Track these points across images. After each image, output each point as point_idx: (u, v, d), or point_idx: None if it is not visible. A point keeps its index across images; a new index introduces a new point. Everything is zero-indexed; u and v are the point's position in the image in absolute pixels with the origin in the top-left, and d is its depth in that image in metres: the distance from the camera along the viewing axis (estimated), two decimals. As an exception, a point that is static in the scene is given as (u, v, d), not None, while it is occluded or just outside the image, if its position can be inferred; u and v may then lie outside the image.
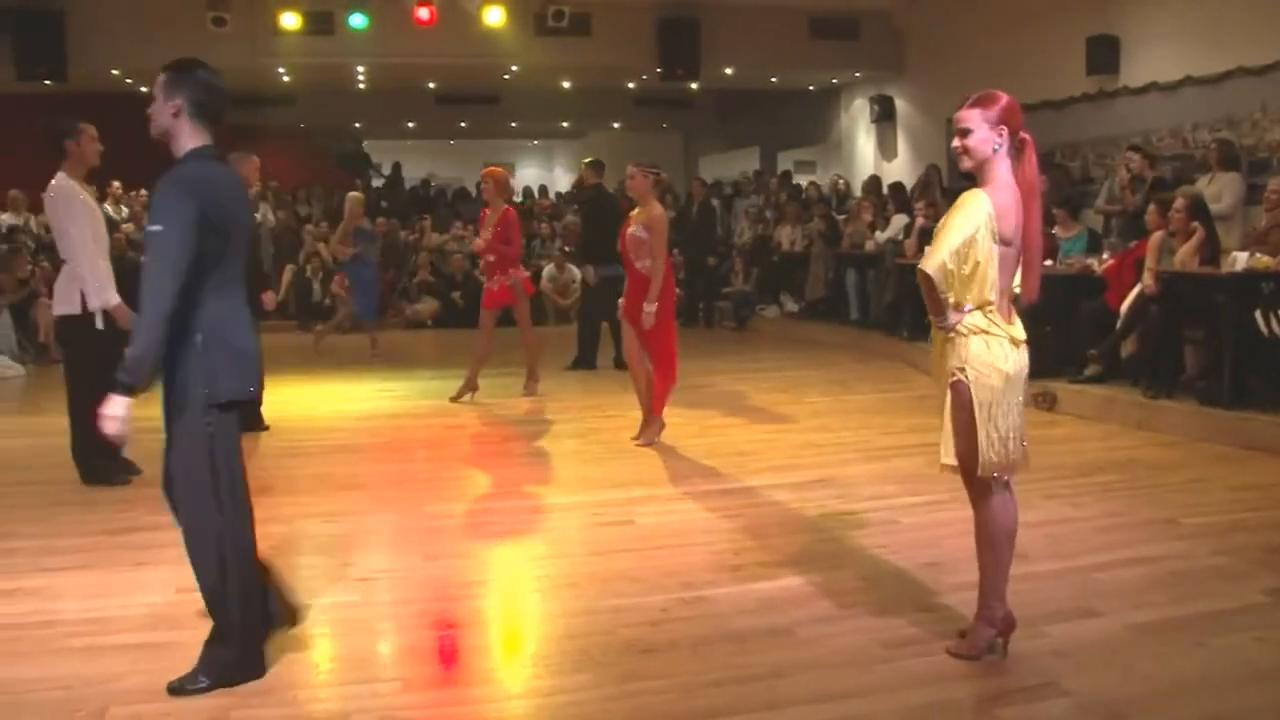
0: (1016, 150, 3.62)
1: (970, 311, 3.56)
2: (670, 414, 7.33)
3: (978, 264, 3.50)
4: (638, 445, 7.15)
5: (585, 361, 10.76)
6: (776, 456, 6.97)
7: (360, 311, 12.54)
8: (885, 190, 13.70)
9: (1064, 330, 8.53)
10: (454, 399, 9.04)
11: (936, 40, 14.96)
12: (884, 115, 16.35)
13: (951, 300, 3.56)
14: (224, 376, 3.50)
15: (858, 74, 16.90)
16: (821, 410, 8.49)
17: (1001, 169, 3.60)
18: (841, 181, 16.75)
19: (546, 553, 5.10)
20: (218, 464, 3.54)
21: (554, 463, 7.02)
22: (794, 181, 17.72)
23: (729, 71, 16.50)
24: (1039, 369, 8.28)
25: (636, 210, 7.17)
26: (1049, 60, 12.37)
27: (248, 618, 3.63)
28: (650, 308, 6.91)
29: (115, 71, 15.27)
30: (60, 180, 6.08)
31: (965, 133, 3.63)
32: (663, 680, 3.64)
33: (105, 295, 6.03)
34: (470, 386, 9.07)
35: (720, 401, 8.95)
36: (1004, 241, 3.54)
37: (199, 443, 3.50)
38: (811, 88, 18.33)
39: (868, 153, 17.15)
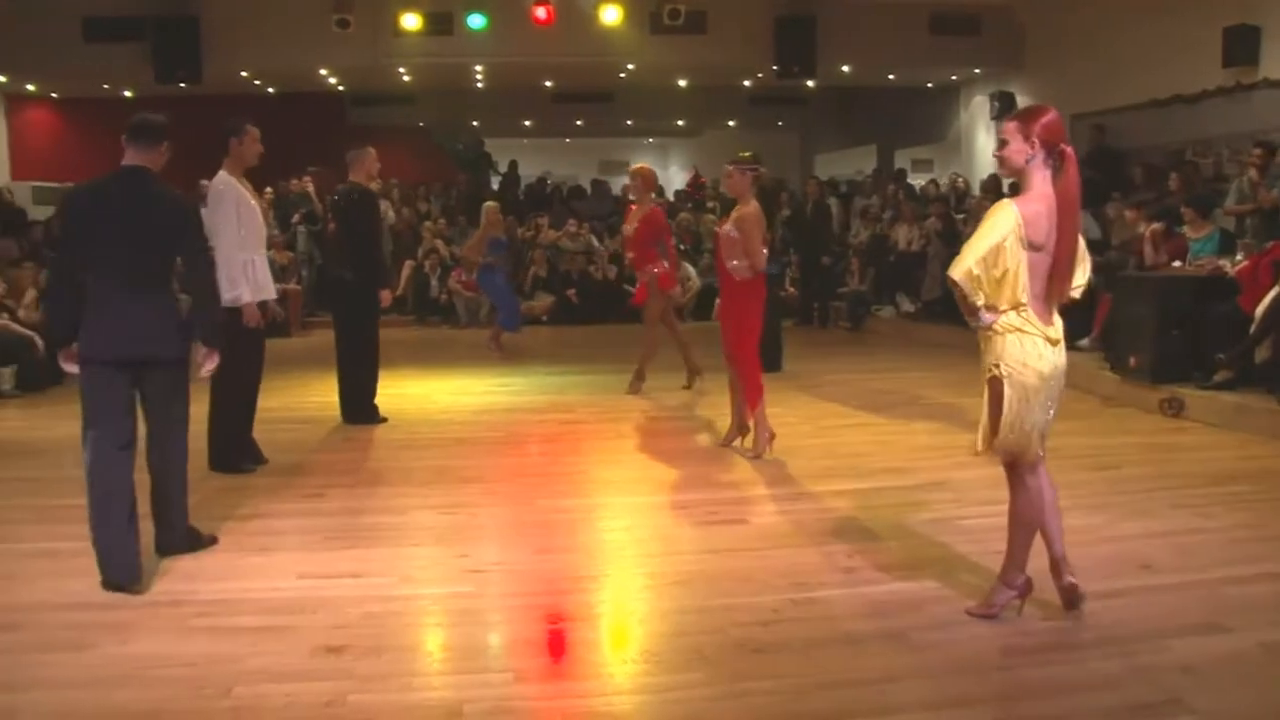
0: (1057, 163, 3.87)
1: (1004, 312, 3.81)
2: (785, 414, 7.26)
3: (1007, 270, 3.76)
4: (747, 457, 6.89)
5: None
6: (892, 458, 6.87)
7: (505, 321, 12.67)
8: (1005, 189, 13.40)
9: (1192, 334, 8.23)
10: (686, 387, 9.40)
11: (1059, 34, 14.60)
12: (1005, 112, 15.98)
13: (983, 303, 3.82)
14: (84, 342, 4.56)
15: (978, 70, 16.60)
16: (938, 413, 8.32)
17: (1037, 179, 3.87)
18: (960, 180, 16.45)
19: (659, 549, 5.11)
20: (84, 407, 4.55)
21: (668, 460, 7.00)
22: (909, 180, 17.48)
23: (846, 69, 16.35)
24: (1166, 373, 8.10)
25: (735, 209, 7.04)
26: (1182, 52, 11.97)
27: (99, 534, 4.50)
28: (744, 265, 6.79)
29: (244, 73, 15.81)
30: (220, 177, 6.34)
31: (1002, 144, 3.93)
32: (773, 681, 3.62)
33: (235, 291, 6.20)
34: (692, 373, 9.42)
35: (835, 402, 8.87)
36: (1034, 247, 3.79)
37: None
38: (930, 85, 18.06)
39: (987, 151, 16.78)
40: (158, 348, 4.67)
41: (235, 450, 6.52)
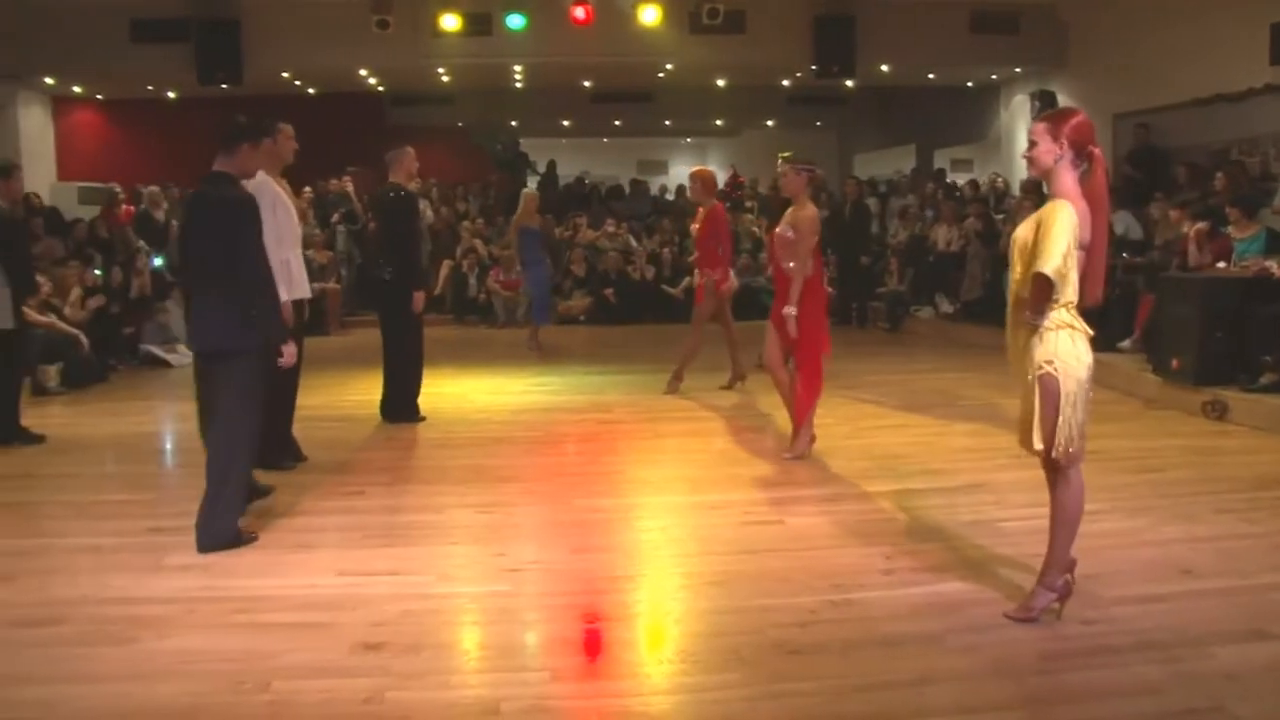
0: (1087, 164, 3.98)
1: (1057, 309, 3.88)
2: (823, 415, 7.18)
3: (1070, 268, 3.84)
4: (785, 459, 6.82)
5: None
6: (930, 460, 6.83)
7: (534, 314, 12.90)
8: (1046, 189, 13.28)
9: (1237, 335, 8.10)
10: (725, 387, 9.45)
11: (1102, 32, 14.46)
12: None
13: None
14: None
15: (1018, 69, 16.47)
16: (976, 414, 8.26)
17: (1067, 179, 3.97)
18: (1000, 180, 16.32)
19: (695, 550, 5.10)
20: None
21: (705, 461, 6.99)
22: (949, 180, 17.36)
23: (885, 69, 16.26)
24: (1209, 375, 7.99)
25: (790, 210, 7.00)
26: (1227, 49, 11.81)
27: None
28: (790, 311, 6.61)
29: (285, 74, 15.97)
30: (257, 177, 6.36)
31: (1031, 144, 4.06)
32: (810, 682, 3.61)
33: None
34: (736, 375, 9.50)
35: (873, 403, 8.82)
36: (1082, 246, 3.90)
37: None
38: (970, 84, 17.93)
39: (1028, 150, 16.66)
40: (211, 341, 5.07)
41: (275, 447, 6.57)
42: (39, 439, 7.56)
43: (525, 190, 13.55)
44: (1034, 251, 3.89)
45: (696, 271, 9.57)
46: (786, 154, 7.01)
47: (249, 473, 5.33)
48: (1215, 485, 6.03)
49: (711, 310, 9.32)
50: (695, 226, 9.57)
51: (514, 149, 22.51)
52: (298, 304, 6.51)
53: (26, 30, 14.28)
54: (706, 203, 9.39)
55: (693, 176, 9.74)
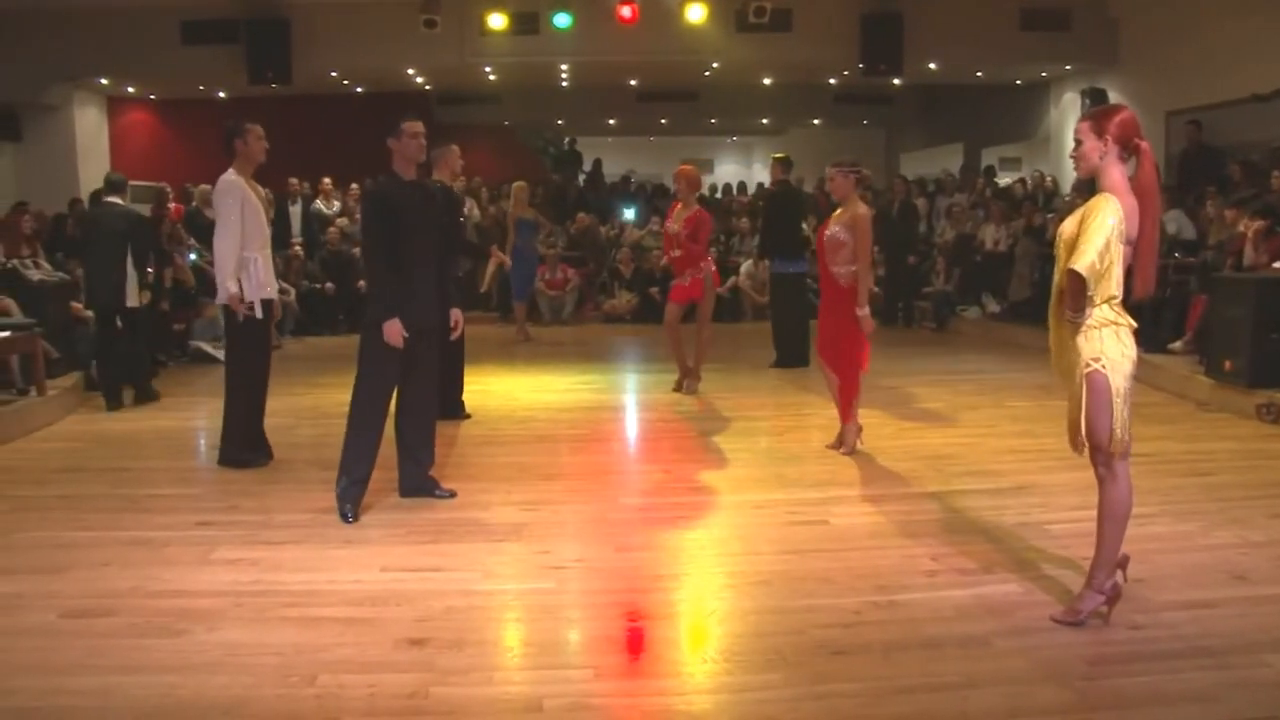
0: (1134, 159, 3.98)
1: (1099, 306, 3.88)
2: (867, 415, 7.18)
3: (1111, 264, 3.84)
4: (838, 453, 6.87)
5: (783, 360, 10.63)
6: (976, 461, 6.77)
7: (516, 290, 13.53)
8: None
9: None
10: (676, 389, 9.31)
11: (1154, 28, 14.24)
12: (1097, 109, 15.65)
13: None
14: None
15: (1069, 66, 16.27)
16: (1023, 415, 8.19)
17: (1115, 174, 3.96)
18: (1049, 179, 16.15)
19: (739, 549, 5.10)
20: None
21: (749, 460, 6.97)
22: (996, 178, 17.20)
23: (933, 66, 16.13)
24: (1264, 377, 7.85)
25: (839, 211, 6.89)
26: (1283, 46, 11.59)
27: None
28: (863, 312, 6.63)
29: (334, 74, 16.11)
30: (226, 176, 6.54)
31: (1077, 143, 4.06)
32: (853, 684, 3.59)
33: (225, 286, 6.44)
34: (688, 374, 9.33)
35: (919, 403, 8.75)
36: (1128, 241, 3.89)
37: None
38: (1019, 82, 17.74)
39: (1079, 149, 16.46)
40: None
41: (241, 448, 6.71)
42: (158, 395, 8.97)
43: (516, 184, 13.72)
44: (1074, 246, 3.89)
45: (685, 273, 9.09)
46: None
47: (365, 446, 5.60)
48: (1269, 490, 5.93)
49: (713, 304, 9.27)
50: (674, 225, 9.10)
51: (560, 146, 22.56)
52: (268, 302, 6.65)
53: (82, 33, 14.56)
54: (690, 202, 9.10)
55: (677, 176, 9.38)
